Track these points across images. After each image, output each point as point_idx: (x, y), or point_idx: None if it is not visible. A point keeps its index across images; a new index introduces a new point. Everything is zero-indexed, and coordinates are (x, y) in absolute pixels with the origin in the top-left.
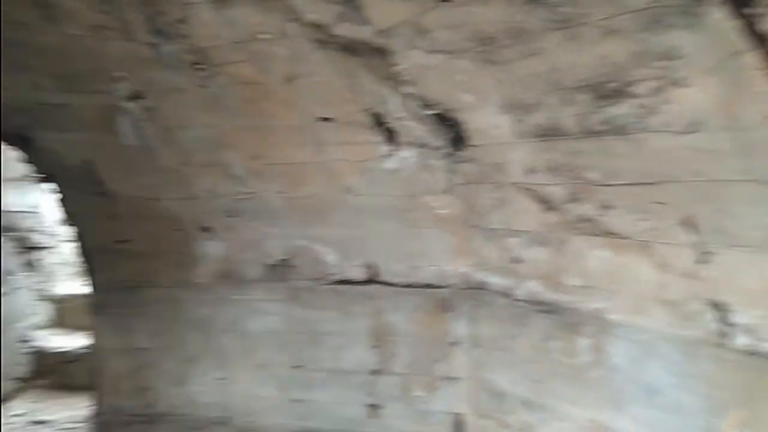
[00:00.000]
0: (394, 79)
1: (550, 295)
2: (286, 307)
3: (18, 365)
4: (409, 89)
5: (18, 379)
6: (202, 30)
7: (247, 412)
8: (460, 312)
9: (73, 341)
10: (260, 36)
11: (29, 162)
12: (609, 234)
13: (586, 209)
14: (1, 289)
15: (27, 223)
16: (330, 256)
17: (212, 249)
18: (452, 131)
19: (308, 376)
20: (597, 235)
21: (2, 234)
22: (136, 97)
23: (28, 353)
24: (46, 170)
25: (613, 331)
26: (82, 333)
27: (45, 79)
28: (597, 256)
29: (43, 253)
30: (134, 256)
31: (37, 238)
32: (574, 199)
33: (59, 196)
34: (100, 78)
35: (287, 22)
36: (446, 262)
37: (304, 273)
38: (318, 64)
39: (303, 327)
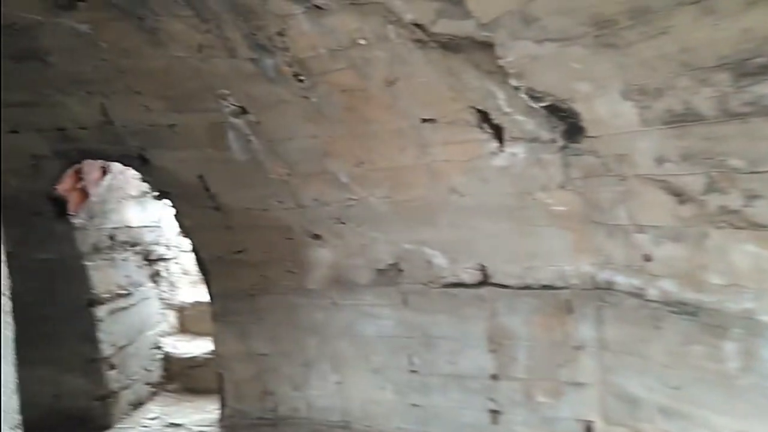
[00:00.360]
0: (499, 73)
1: (688, 295)
2: (398, 311)
3: (150, 371)
4: (517, 82)
5: (150, 383)
6: (300, 41)
7: (366, 416)
8: (583, 314)
9: (197, 346)
10: (359, 41)
11: (146, 180)
12: (757, 226)
13: (728, 200)
14: (131, 299)
15: (150, 237)
16: (439, 259)
17: (323, 255)
18: (566, 123)
19: (425, 381)
20: (742, 228)
21: (129, 248)
22: (241, 112)
23: (158, 359)
24: (162, 187)
25: (766, 333)
26: (204, 338)
27: (154, 101)
28: (743, 251)
29: (166, 264)
30: (249, 265)
31: (159, 251)
32: (713, 189)
33: (176, 211)
34: (206, 96)
35: (386, 24)
36: (565, 261)
37: (413, 277)
38: (418, 64)
39: (416, 331)
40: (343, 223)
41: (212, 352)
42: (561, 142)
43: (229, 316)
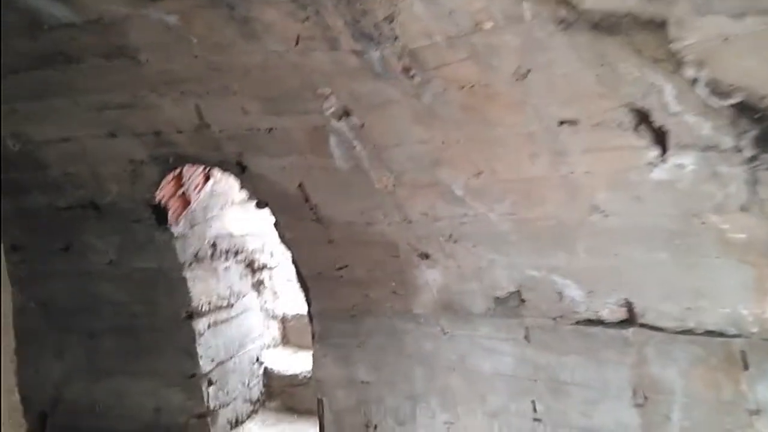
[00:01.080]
0: (670, 61)
1: None
2: (519, 347)
3: (250, 387)
4: (696, 72)
5: (250, 401)
6: (413, 27)
7: None
8: (763, 371)
9: (299, 362)
10: (484, 25)
11: (245, 189)
12: None
13: None
14: (233, 311)
15: (253, 244)
16: (573, 291)
17: (432, 277)
18: (760, 127)
19: None
20: None
21: (231, 257)
22: (344, 114)
23: (259, 375)
24: (261, 196)
25: None
26: (308, 351)
27: (251, 103)
28: None
29: (270, 272)
30: (352, 283)
31: (263, 259)
32: None
33: (275, 222)
34: (305, 96)
35: (520, 2)
36: (742, 303)
37: (540, 309)
38: (559, 51)
39: (541, 373)
40: (456, 242)
41: (311, 376)
42: (749, 152)
43: (329, 338)
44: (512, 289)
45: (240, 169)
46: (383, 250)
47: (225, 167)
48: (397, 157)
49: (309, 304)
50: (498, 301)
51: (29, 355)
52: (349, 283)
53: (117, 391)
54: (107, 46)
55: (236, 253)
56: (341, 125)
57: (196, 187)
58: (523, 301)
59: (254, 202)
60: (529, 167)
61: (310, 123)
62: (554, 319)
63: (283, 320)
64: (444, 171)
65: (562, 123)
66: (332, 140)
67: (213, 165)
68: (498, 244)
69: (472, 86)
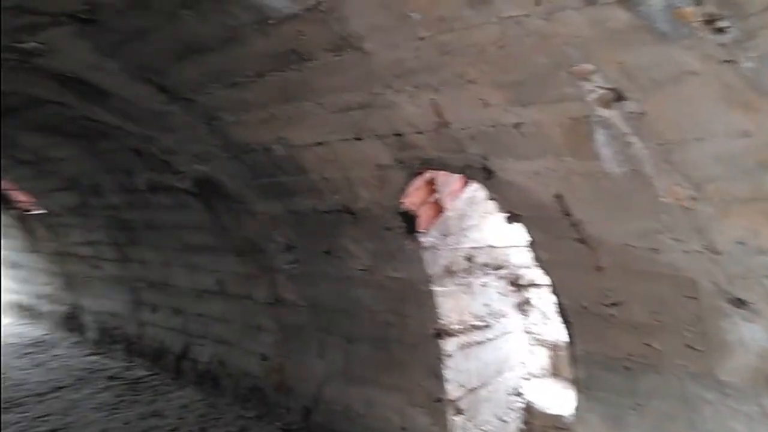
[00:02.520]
0: None
1: None
2: None
3: (506, 422)
4: None
5: None
6: None
7: None
8: None
9: (569, 399)
10: None
11: (494, 199)
12: None
13: None
14: (489, 332)
15: (518, 258)
16: None
17: (750, 334)
18: None
19: None
20: None
21: (490, 272)
22: (614, 98)
23: (518, 409)
24: (512, 208)
25: None
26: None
27: (492, 92)
28: None
29: (538, 291)
30: (628, 325)
31: (530, 275)
32: None
33: (530, 239)
34: (558, 77)
35: None
36: None
37: None
38: None
39: None
40: None
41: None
42: None
43: (596, 389)
44: None
45: (486, 175)
46: (674, 287)
47: (470, 173)
48: (698, 157)
49: (571, 342)
50: None
51: (297, 351)
52: (624, 325)
53: (368, 400)
54: (332, 37)
55: (497, 268)
56: (611, 114)
57: (451, 194)
58: None
59: (505, 216)
60: None
61: (567, 114)
62: None
63: (554, 348)
64: None
65: None
66: (599, 136)
67: (457, 170)
68: None
69: None
